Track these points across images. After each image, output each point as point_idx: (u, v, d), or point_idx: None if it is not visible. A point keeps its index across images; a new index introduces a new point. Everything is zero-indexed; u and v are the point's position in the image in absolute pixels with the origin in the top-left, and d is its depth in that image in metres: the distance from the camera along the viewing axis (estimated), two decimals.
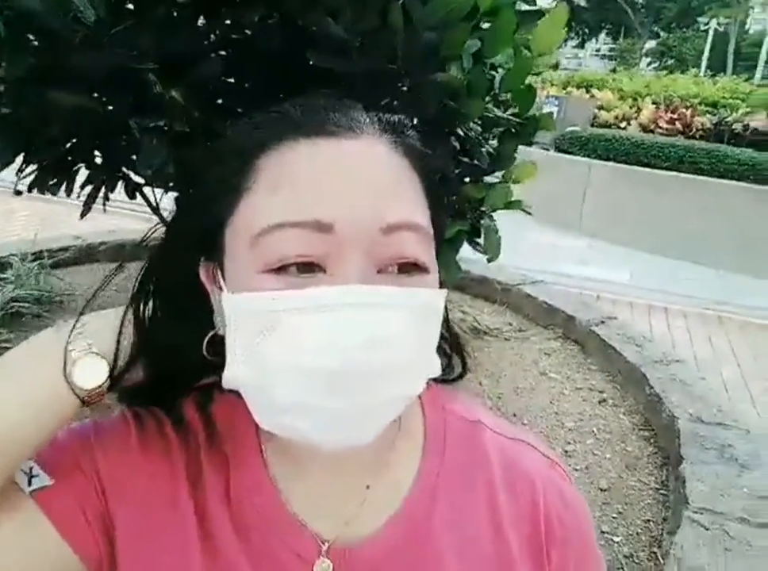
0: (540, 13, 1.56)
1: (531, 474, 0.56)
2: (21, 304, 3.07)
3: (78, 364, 0.46)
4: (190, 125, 1.32)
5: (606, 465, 2.37)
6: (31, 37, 1.22)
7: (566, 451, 2.43)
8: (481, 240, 1.89)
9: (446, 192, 1.66)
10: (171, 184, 1.63)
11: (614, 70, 18.32)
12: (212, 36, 1.44)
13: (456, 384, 0.59)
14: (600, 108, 8.48)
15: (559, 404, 2.77)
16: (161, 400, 0.53)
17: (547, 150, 7.48)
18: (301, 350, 0.42)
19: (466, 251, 1.94)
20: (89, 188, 1.86)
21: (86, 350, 0.47)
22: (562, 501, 0.56)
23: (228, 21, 1.41)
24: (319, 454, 0.50)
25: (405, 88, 1.47)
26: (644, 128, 7.69)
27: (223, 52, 1.45)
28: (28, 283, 3.23)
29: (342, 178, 0.44)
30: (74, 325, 0.48)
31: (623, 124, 7.99)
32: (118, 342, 0.48)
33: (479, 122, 1.71)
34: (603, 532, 2.00)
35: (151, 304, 0.52)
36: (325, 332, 0.42)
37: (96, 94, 1.34)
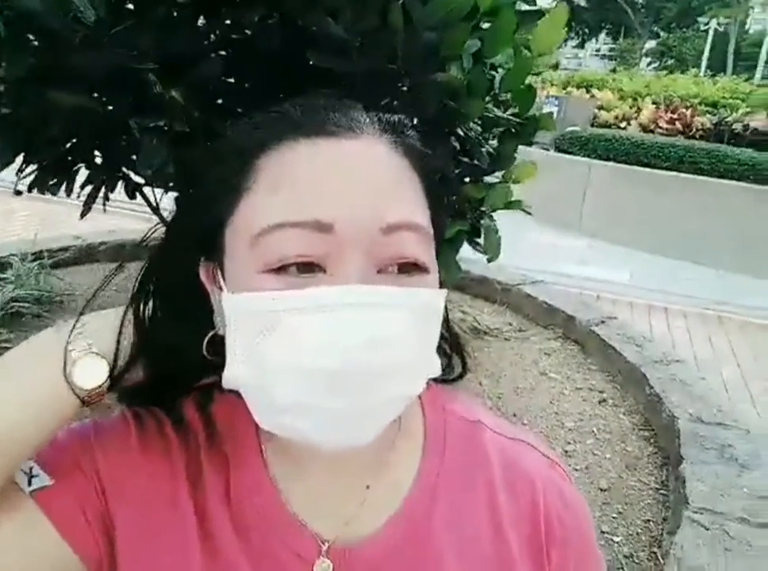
0: (540, 13, 1.56)
1: (531, 474, 0.56)
2: (21, 304, 3.07)
3: (78, 364, 0.46)
4: (190, 125, 1.32)
5: (606, 465, 2.37)
6: (31, 37, 1.22)
7: (566, 451, 2.43)
8: (481, 240, 1.89)
9: (446, 192, 1.66)
10: (171, 184, 1.63)
11: (614, 70, 18.32)
12: (212, 36, 1.44)
13: (456, 384, 0.59)
14: (600, 108, 8.48)
15: (559, 404, 2.77)
16: (161, 400, 0.53)
17: (547, 150, 7.48)
18: (301, 350, 0.42)
19: (466, 250, 1.93)
20: (89, 188, 1.86)
21: (86, 350, 0.47)
22: (562, 501, 0.56)
23: (228, 21, 1.41)
24: (319, 454, 0.50)
25: (404, 88, 1.47)
26: (644, 128, 7.69)
27: (223, 52, 1.45)
28: (28, 283, 3.23)
29: (342, 178, 0.44)
30: (74, 325, 0.48)
31: (623, 124, 7.99)
32: (118, 342, 0.48)
33: (479, 122, 1.71)
34: (603, 532, 2.00)
35: (151, 304, 0.52)
36: (325, 332, 0.42)
37: (96, 94, 1.34)
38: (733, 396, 3.49)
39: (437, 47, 1.35)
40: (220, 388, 0.48)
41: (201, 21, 1.41)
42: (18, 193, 1.83)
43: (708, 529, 1.85)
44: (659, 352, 3.06)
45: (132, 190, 1.93)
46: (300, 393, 0.43)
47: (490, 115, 1.65)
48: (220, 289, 0.48)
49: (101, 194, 1.90)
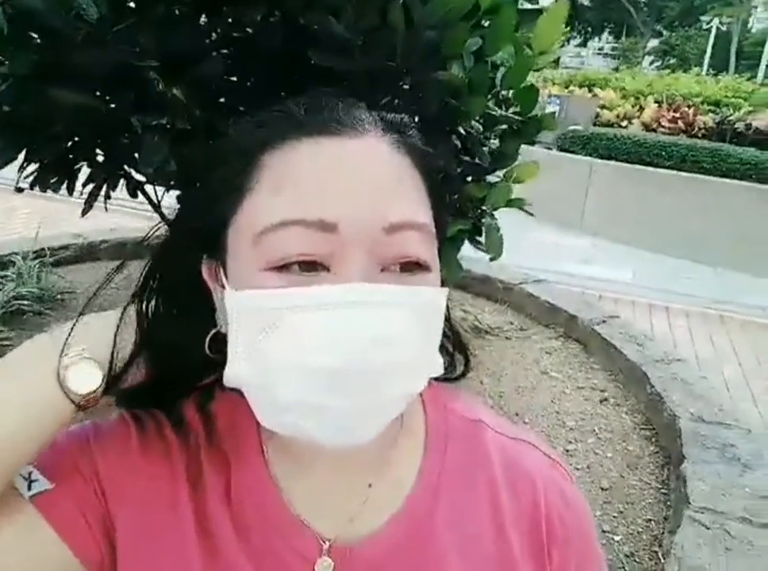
0: (541, 12, 1.55)
1: (532, 474, 0.56)
2: (22, 302, 3.08)
3: (72, 369, 0.46)
4: (191, 123, 1.32)
5: (607, 464, 2.37)
6: (33, 35, 1.22)
7: (568, 450, 2.43)
8: (482, 239, 1.89)
9: (447, 190, 1.66)
10: (173, 182, 1.63)
11: (616, 69, 18.29)
12: (213, 34, 1.44)
13: (457, 382, 0.59)
14: (603, 107, 8.47)
15: (561, 403, 2.77)
16: (161, 402, 0.53)
17: (550, 149, 7.47)
18: (304, 349, 0.42)
19: (467, 249, 1.94)
20: (90, 186, 1.86)
21: (79, 355, 0.47)
22: (563, 501, 0.56)
23: (229, 20, 1.41)
24: (321, 453, 0.50)
25: (406, 86, 1.47)
26: (646, 127, 7.69)
27: (225, 51, 1.45)
28: (29, 281, 3.24)
29: (345, 177, 0.44)
30: (71, 328, 0.48)
31: (625, 123, 7.98)
32: (115, 343, 0.48)
33: (480, 121, 1.71)
34: (604, 531, 2.00)
35: (153, 302, 0.52)
36: (328, 330, 0.42)
37: (98, 92, 1.34)
38: (734, 395, 3.49)
39: (438, 46, 1.35)
40: (221, 387, 0.48)
41: (202, 19, 1.41)
42: (19, 190, 1.83)
43: (709, 528, 1.85)
44: (661, 351, 3.06)
45: (134, 188, 1.93)
46: (302, 391, 0.43)
47: (492, 113, 1.65)
48: (223, 286, 0.48)
49: (102, 192, 1.90)
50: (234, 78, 1.50)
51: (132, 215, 4.69)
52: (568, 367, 3.11)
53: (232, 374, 0.47)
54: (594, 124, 7.88)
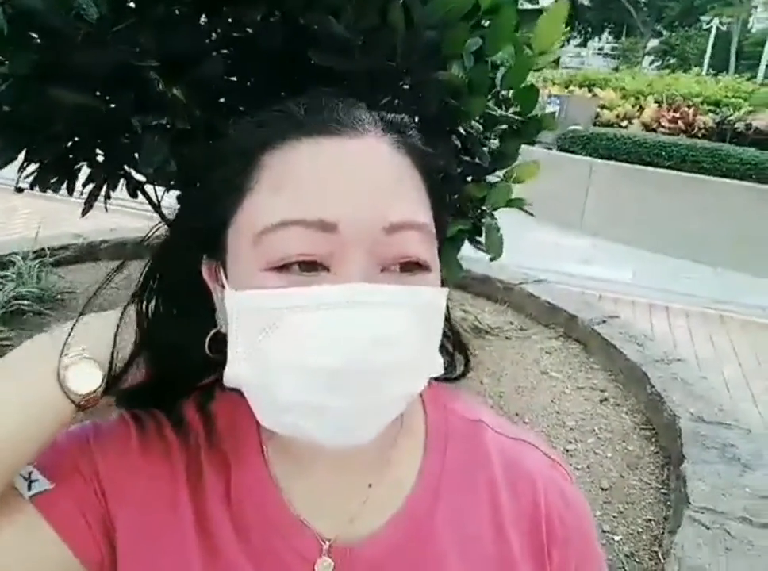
0: (541, 12, 1.55)
1: (532, 474, 0.56)
2: (23, 302, 3.08)
3: (72, 369, 0.46)
4: (191, 123, 1.32)
5: (607, 464, 2.37)
6: (33, 35, 1.22)
7: (568, 450, 2.43)
8: (482, 239, 1.89)
9: (448, 190, 1.66)
10: (173, 182, 1.63)
11: (616, 69, 18.29)
12: (213, 34, 1.44)
13: (457, 382, 0.59)
14: (603, 107, 8.47)
15: (561, 403, 2.77)
16: (161, 402, 0.53)
17: (550, 149, 7.47)
18: (304, 349, 0.42)
19: (467, 249, 1.94)
20: (90, 186, 1.86)
21: (79, 355, 0.47)
22: (563, 501, 0.56)
23: (229, 20, 1.41)
24: (321, 453, 0.50)
25: (406, 86, 1.47)
26: (646, 127, 7.69)
27: (225, 51, 1.45)
28: (29, 281, 3.24)
29: (345, 177, 0.44)
30: (71, 328, 0.48)
31: (625, 123, 7.98)
32: (115, 343, 0.48)
33: (481, 121, 1.71)
34: (604, 531, 2.00)
35: (153, 302, 0.52)
36: (328, 330, 0.42)
37: (98, 92, 1.34)
38: (734, 395, 3.48)
39: (438, 46, 1.35)
40: (221, 387, 0.48)
41: (202, 19, 1.41)
42: (19, 190, 1.83)
43: (709, 528, 1.85)
44: (661, 351, 3.06)
45: (134, 189, 1.93)
46: (302, 392, 0.43)
47: (492, 113, 1.65)
48: (223, 286, 0.48)
49: (102, 192, 1.90)
50: (234, 78, 1.50)
51: (133, 215, 4.69)
52: (568, 367, 3.11)
53: (232, 374, 0.47)
54: (594, 124, 7.88)
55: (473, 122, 1.67)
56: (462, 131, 1.66)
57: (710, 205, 6.16)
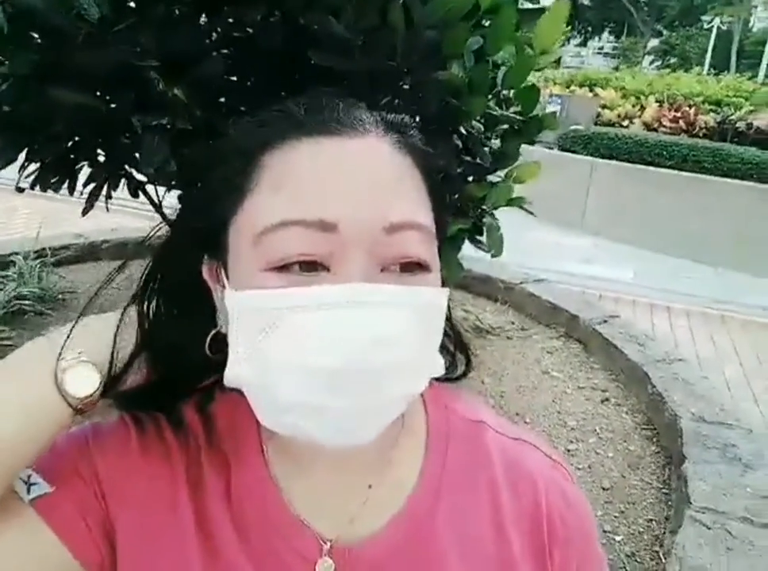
0: (542, 11, 1.55)
1: (533, 475, 0.56)
2: (24, 302, 3.08)
3: (70, 372, 0.46)
4: (192, 123, 1.32)
5: (608, 464, 2.37)
6: (34, 35, 1.22)
7: (569, 450, 2.42)
8: (483, 238, 1.89)
9: (448, 190, 1.66)
10: (174, 182, 1.63)
11: (617, 69, 18.29)
12: (214, 34, 1.44)
13: (458, 382, 0.59)
14: (604, 106, 8.48)
15: (562, 403, 2.77)
16: (161, 405, 0.53)
17: (550, 148, 7.47)
18: (304, 349, 0.42)
19: (468, 249, 1.94)
20: (91, 186, 1.86)
21: (76, 359, 0.47)
22: (564, 501, 0.56)
23: (229, 20, 1.41)
24: (321, 453, 0.50)
25: (406, 86, 1.46)
26: (647, 127, 7.69)
27: (225, 50, 1.45)
28: (30, 281, 3.24)
29: (345, 177, 0.44)
30: (71, 329, 0.48)
31: (626, 123, 7.99)
32: (114, 344, 0.48)
33: (481, 120, 1.71)
34: (605, 531, 2.00)
35: (154, 302, 0.52)
36: (328, 331, 0.42)
37: (99, 92, 1.34)
38: (736, 395, 3.48)
39: (438, 46, 1.35)
40: (221, 387, 0.48)
41: (203, 19, 1.41)
42: (20, 190, 1.83)
43: (710, 528, 1.85)
44: (662, 351, 3.06)
45: (135, 188, 1.93)
46: (302, 392, 0.43)
47: (493, 113, 1.65)
48: (223, 287, 0.48)
49: (103, 192, 1.90)
50: (234, 78, 1.50)
51: (134, 215, 4.69)
52: (569, 367, 3.11)
53: (233, 375, 0.46)
54: (595, 124, 7.88)
55: (474, 122, 1.67)
56: (463, 131, 1.65)
57: (711, 204, 6.15)
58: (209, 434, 0.53)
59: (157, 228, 0.54)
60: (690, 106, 7.99)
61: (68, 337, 0.48)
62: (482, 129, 1.72)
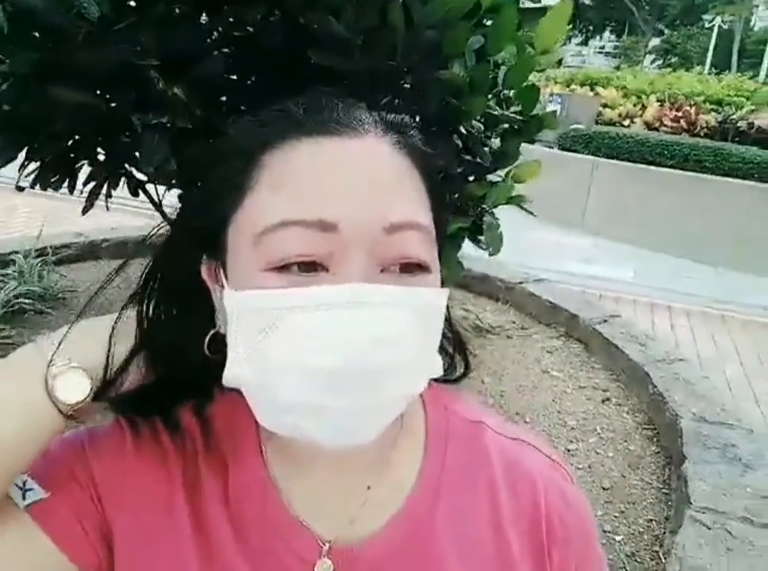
0: (543, 10, 1.55)
1: (532, 475, 0.56)
2: (24, 300, 3.08)
3: (60, 378, 0.46)
4: (192, 122, 1.32)
5: (609, 464, 2.37)
6: (34, 34, 1.22)
7: (569, 450, 2.42)
8: (482, 237, 1.89)
9: (448, 190, 1.66)
10: (174, 181, 1.63)
11: (618, 68, 18.27)
12: (214, 33, 1.44)
13: (459, 382, 0.59)
14: (605, 106, 8.47)
15: (562, 403, 2.77)
16: (158, 408, 0.53)
17: (551, 148, 7.47)
18: (303, 349, 0.42)
19: (468, 248, 1.93)
20: (91, 185, 1.86)
21: (66, 364, 0.47)
22: (563, 501, 0.56)
23: (230, 19, 1.41)
24: (321, 454, 0.50)
25: (406, 86, 1.46)
26: (648, 126, 7.69)
27: (225, 50, 1.45)
28: (31, 280, 3.24)
29: (345, 177, 0.44)
30: (64, 335, 0.48)
31: (627, 122, 7.98)
32: (110, 347, 0.48)
33: (482, 120, 1.71)
34: (605, 531, 2.00)
35: (153, 302, 0.52)
36: (327, 331, 0.42)
37: (99, 91, 1.34)
38: (736, 395, 3.48)
39: (439, 45, 1.35)
40: (220, 388, 0.48)
41: (203, 18, 1.41)
42: (20, 189, 1.83)
43: (710, 528, 1.85)
44: (662, 351, 3.06)
45: (135, 187, 1.93)
46: (302, 392, 0.43)
47: (493, 112, 1.65)
48: (222, 287, 0.48)
49: (103, 191, 1.90)
50: (234, 77, 1.50)
51: (134, 214, 4.70)
52: (569, 366, 3.11)
53: (232, 375, 0.46)
54: (596, 123, 7.88)
55: (474, 121, 1.67)
56: (463, 130, 1.65)
57: (712, 204, 6.15)
58: (206, 437, 0.53)
59: (158, 227, 0.54)
60: (691, 106, 7.99)
61: (60, 342, 0.47)
62: (482, 129, 1.72)
